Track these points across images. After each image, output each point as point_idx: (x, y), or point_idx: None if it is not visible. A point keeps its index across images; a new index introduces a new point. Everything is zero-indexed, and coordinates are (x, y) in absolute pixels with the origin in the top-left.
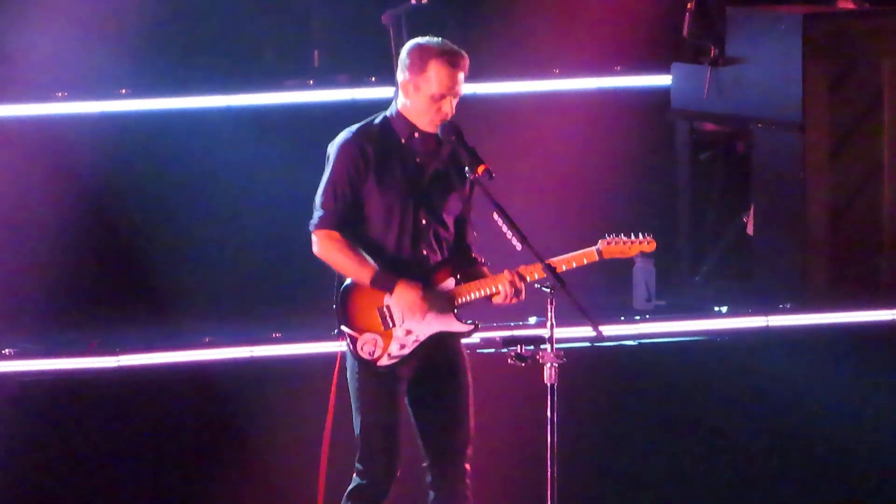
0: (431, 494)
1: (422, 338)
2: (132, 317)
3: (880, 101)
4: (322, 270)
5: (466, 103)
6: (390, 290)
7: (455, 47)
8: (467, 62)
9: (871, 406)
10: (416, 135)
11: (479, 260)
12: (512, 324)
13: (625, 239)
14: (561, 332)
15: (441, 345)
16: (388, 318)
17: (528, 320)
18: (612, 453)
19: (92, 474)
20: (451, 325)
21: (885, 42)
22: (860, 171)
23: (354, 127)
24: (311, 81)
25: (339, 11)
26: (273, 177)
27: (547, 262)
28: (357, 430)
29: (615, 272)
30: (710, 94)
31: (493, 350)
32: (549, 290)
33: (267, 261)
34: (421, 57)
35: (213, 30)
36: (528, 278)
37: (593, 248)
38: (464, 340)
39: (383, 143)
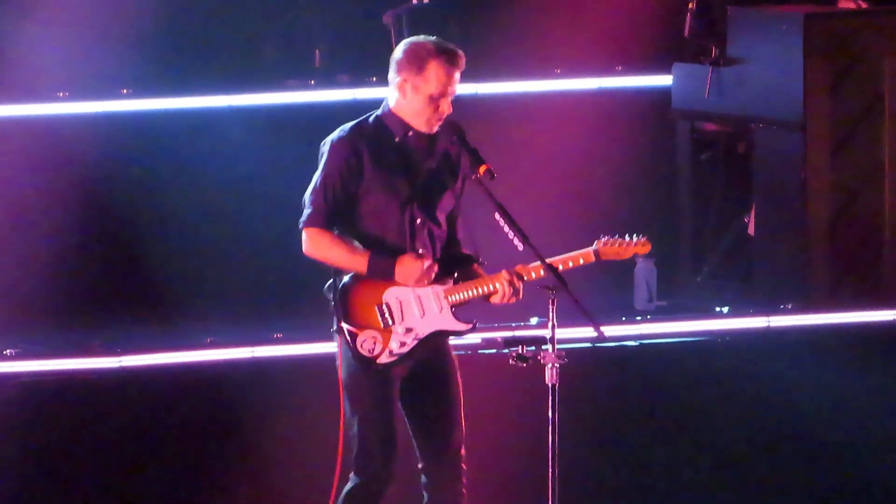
0: (426, 496)
1: (421, 335)
2: (134, 317)
3: (881, 101)
4: (324, 271)
5: (467, 103)
6: (391, 273)
7: (452, 45)
8: (464, 60)
9: (872, 406)
10: (410, 133)
11: (476, 258)
12: (513, 324)
13: (620, 240)
14: (562, 333)
15: (434, 345)
16: (387, 315)
17: (530, 321)
18: (614, 454)
19: (94, 475)
20: (450, 323)
21: (886, 42)
22: (861, 171)
23: (347, 126)
24: (313, 81)
25: (340, 11)
26: (274, 176)
27: (544, 258)
28: (353, 430)
29: (616, 272)
30: (711, 93)
31: (494, 350)
32: (550, 291)
33: (269, 261)
34: (419, 57)
35: (214, 30)
36: (526, 277)
37: (590, 248)
38: (465, 340)
39: (377, 141)
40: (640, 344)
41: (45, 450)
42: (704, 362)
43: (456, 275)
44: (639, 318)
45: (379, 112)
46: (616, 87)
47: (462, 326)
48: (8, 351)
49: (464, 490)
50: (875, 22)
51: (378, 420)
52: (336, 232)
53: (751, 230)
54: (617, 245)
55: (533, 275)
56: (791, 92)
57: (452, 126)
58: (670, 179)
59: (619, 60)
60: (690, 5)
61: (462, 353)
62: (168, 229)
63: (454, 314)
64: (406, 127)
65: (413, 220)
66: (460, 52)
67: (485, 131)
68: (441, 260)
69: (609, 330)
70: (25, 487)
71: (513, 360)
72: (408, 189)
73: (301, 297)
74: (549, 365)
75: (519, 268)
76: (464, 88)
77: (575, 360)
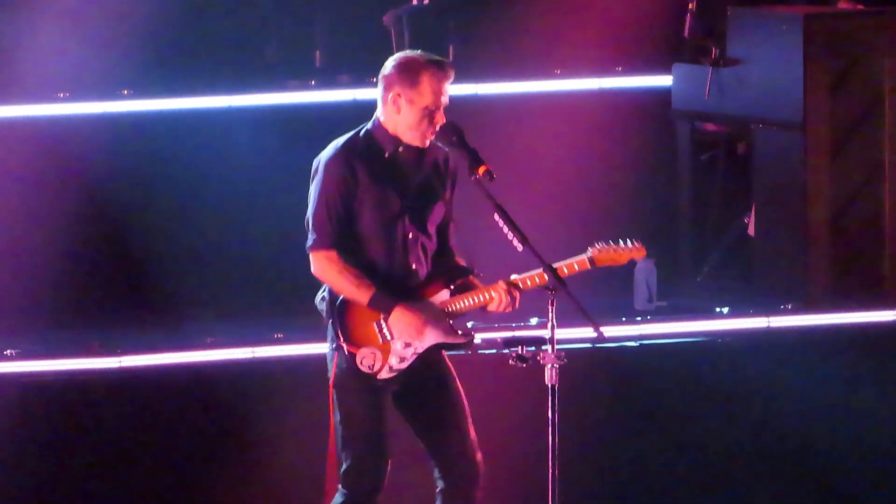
0: (439, 500)
1: (420, 350)
2: (134, 317)
3: (881, 101)
4: None
5: (467, 103)
6: (388, 313)
7: (440, 57)
8: (453, 70)
9: (872, 406)
10: (401, 148)
11: (471, 270)
12: (513, 325)
13: (615, 246)
14: (562, 333)
15: (427, 359)
16: (385, 331)
17: (530, 321)
18: (613, 454)
19: (94, 475)
20: (448, 336)
21: (885, 42)
22: (861, 172)
23: (340, 142)
24: (313, 81)
25: (340, 12)
26: (275, 176)
27: (542, 259)
28: (340, 444)
29: (616, 273)
30: (711, 94)
31: (494, 351)
32: (550, 291)
33: (269, 261)
34: (412, 70)
35: (214, 30)
36: (522, 287)
37: (584, 255)
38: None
39: (369, 158)
40: (640, 344)
41: (45, 450)
42: (704, 363)
43: (452, 287)
44: (639, 318)
45: (369, 126)
46: (616, 87)
47: (461, 339)
48: (8, 351)
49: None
50: (875, 22)
51: (370, 435)
52: (343, 254)
53: (751, 230)
54: (612, 251)
55: (529, 283)
56: (791, 92)
57: (452, 126)
58: (670, 180)
59: (619, 61)
60: (690, 6)
61: (462, 353)
62: (168, 229)
63: (452, 326)
64: (396, 142)
65: (405, 236)
66: (450, 63)
67: (484, 132)
68: (438, 273)
69: (609, 330)
70: (26, 487)
71: (512, 360)
72: (400, 204)
73: (301, 298)
74: (549, 365)
75: (515, 278)
76: (464, 89)
77: (575, 361)
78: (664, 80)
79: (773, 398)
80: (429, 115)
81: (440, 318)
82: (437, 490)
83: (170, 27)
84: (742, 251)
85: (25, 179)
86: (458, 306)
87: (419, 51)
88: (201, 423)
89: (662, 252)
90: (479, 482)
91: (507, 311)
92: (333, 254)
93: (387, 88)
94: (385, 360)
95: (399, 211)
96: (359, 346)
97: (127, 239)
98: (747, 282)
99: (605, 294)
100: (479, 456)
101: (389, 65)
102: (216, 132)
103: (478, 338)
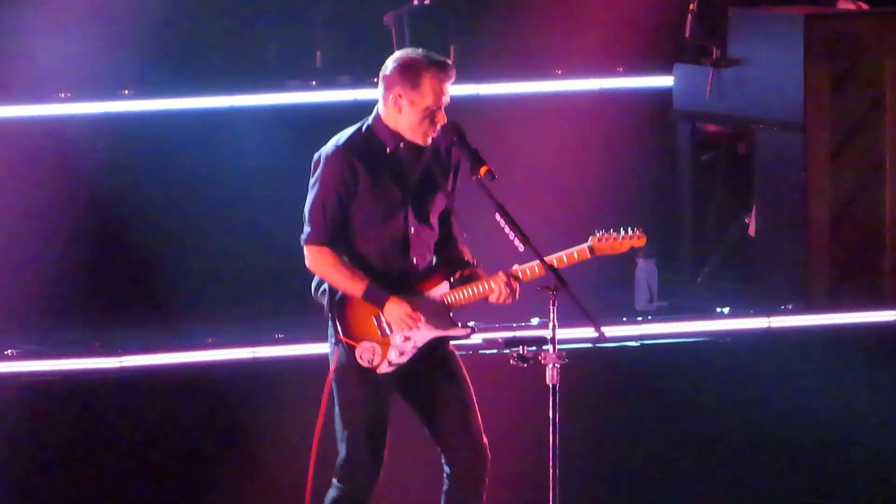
0: (447, 485)
1: (420, 343)
2: (135, 317)
3: (882, 101)
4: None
5: (469, 104)
6: (381, 307)
7: (441, 56)
8: (454, 70)
9: (873, 407)
10: (402, 145)
11: (471, 262)
12: (514, 325)
13: (615, 234)
14: (563, 333)
15: (433, 348)
16: (384, 325)
17: (531, 321)
18: (614, 454)
19: (94, 475)
20: (448, 330)
21: (886, 43)
22: (862, 172)
23: (342, 139)
24: (314, 82)
25: (341, 12)
26: (275, 177)
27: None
28: (340, 436)
29: (617, 272)
30: (712, 94)
31: (495, 351)
32: (551, 291)
33: (269, 261)
34: (413, 71)
35: (215, 30)
36: (522, 277)
37: (584, 245)
38: (466, 341)
39: (369, 153)
40: (641, 344)
41: (45, 450)
42: (705, 363)
43: (452, 279)
44: (639, 318)
45: (370, 121)
46: (617, 87)
47: (461, 332)
48: (9, 351)
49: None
50: (876, 23)
51: (369, 430)
52: (337, 249)
53: (751, 231)
54: (612, 239)
55: (528, 272)
56: (792, 93)
57: (453, 126)
58: (671, 180)
59: (620, 61)
60: (691, 6)
61: (463, 353)
62: (169, 229)
63: (453, 319)
64: (398, 138)
65: (407, 230)
66: (450, 63)
67: (486, 132)
68: (438, 266)
69: (610, 330)
70: (26, 487)
71: (513, 360)
72: (401, 199)
73: (302, 298)
74: (550, 365)
75: (515, 269)
76: (465, 89)
77: (576, 361)
78: (665, 81)
79: (773, 398)
80: (430, 115)
81: (439, 310)
82: (445, 475)
83: (171, 27)
84: (743, 251)
85: (27, 179)
86: (457, 298)
87: (420, 49)
88: (202, 423)
89: (663, 252)
90: (486, 466)
91: (507, 302)
92: (326, 249)
93: (388, 88)
94: (384, 354)
95: (400, 206)
96: (358, 341)
97: (128, 239)
98: (748, 282)
99: (605, 294)
100: (484, 440)
101: (390, 65)
102: (217, 132)
103: (479, 337)
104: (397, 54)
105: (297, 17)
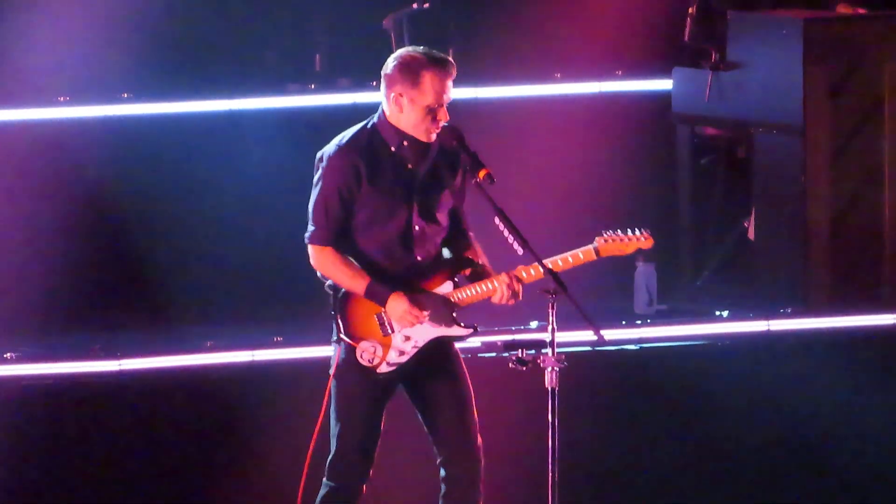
0: (444, 488)
1: (420, 344)
2: (134, 320)
3: (881, 105)
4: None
5: (468, 107)
6: (383, 304)
7: (442, 54)
8: (455, 68)
9: (872, 410)
10: (406, 143)
11: (477, 261)
12: (513, 328)
13: (621, 235)
14: (562, 336)
15: (436, 347)
16: (386, 324)
17: (530, 324)
18: (614, 457)
19: (94, 478)
20: (449, 329)
21: (885, 47)
22: (861, 176)
23: (345, 138)
24: (313, 85)
25: (340, 16)
26: (275, 180)
27: (544, 262)
28: (332, 432)
29: (617, 276)
30: (711, 98)
31: (494, 354)
32: (550, 294)
33: (268, 265)
34: (413, 70)
35: (215, 34)
36: (525, 276)
37: (590, 246)
38: (465, 344)
39: (373, 153)
40: (640, 347)
41: (45, 453)
42: (704, 366)
43: (457, 279)
44: (639, 321)
45: (375, 120)
46: (616, 91)
47: (463, 332)
48: (9, 354)
49: (481, 486)
50: (874, 27)
51: (362, 429)
52: (341, 248)
53: (751, 234)
54: (618, 241)
55: (532, 272)
56: (791, 96)
57: (452, 129)
58: (670, 183)
59: (619, 65)
60: (690, 10)
61: (462, 356)
62: (168, 233)
63: (455, 319)
64: (402, 136)
65: (412, 229)
66: (451, 60)
67: (485, 135)
68: (444, 265)
69: (609, 333)
70: (25, 490)
71: (512, 363)
72: (406, 198)
73: (301, 301)
74: (549, 368)
75: (518, 270)
76: (464, 92)
77: (575, 364)
78: (664, 84)
79: (773, 401)
80: (431, 113)
81: (442, 309)
82: (441, 479)
83: (170, 31)
84: (742, 255)
85: (26, 183)
86: (460, 297)
87: (421, 48)
88: (201, 426)
89: (663, 255)
90: (478, 470)
91: (509, 303)
92: (329, 248)
93: (389, 87)
94: (385, 353)
95: (404, 204)
96: (359, 340)
97: (127, 242)
98: (747, 285)
99: (605, 297)
100: (479, 442)
101: (391, 63)
102: (216, 136)
103: (477, 340)
104: (398, 53)
105: (297, 21)
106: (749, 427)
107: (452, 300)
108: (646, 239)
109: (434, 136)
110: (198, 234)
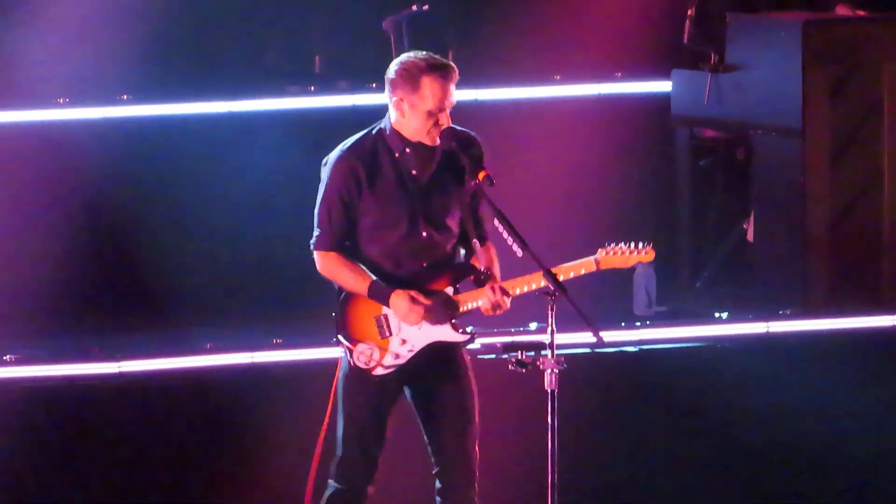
0: (439, 500)
1: (417, 348)
2: (133, 322)
3: (880, 107)
4: (323, 277)
5: (467, 109)
6: (386, 302)
7: (442, 59)
8: (457, 72)
9: (871, 412)
10: (408, 149)
11: (479, 269)
12: (512, 329)
13: (623, 248)
14: (561, 338)
15: (441, 350)
16: (384, 327)
17: (529, 326)
18: (613, 459)
19: (93, 480)
20: (446, 334)
21: (884, 49)
22: (860, 178)
23: (348, 144)
24: (313, 87)
25: (340, 18)
26: (274, 182)
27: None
28: (339, 434)
29: (616, 278)
30: (711, 100)
31: (493, 356)
32: (550, 297)
33: (268, 267)
34: (412, 75)
35: (214, 36)
36: (511, 292)
37: (591, 258)
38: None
39: (377, 158)
40: (640, 349)
41: (45, 455)
42: (703, 368)
43: (458, 286)
44: (638, 323)
45: (382, 125)
46: (615, 93)
47: (459, 338)
48: (8, 356)
49: (476, 498)
50: (873, 29)
51: (366, 431)
52: (344, 253)
53: (750, 236)
54: (619, 254)
55: (525, 288)
56: (790, 98)
57: (451, 132)
58: (670, 185)
59: (618, 67)
60: (690, 12)
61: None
62: (168, 234)
63: (452, 325)
64: (405, 142)
65: (418, 235)
66: (452, 65)
67: (484, 137)
68: (447, 270)
69: (608, 335)
70: (25, 492)
71: (512, 365)
72: (411, 204)
73: (301, 303)
74: (549, 370)
75: (506, 284)
76: (464, 95)
77: (574, 366)
78: (663, 86)
79: (772, 403)
80: (432, 117)
81: (441, 313)
82: (436, 488)
83: (170, 33)
84: (741, 257)
85: (25, 184)
86: (459, 305)
87: (424, 53)
88: (201, 427)
89: (662, 257)
90: (473, 484)
91: (496, 314)
92: (333, 253)
93: (391, 92)
94: (381, 357)
95: (410, 211)
96: (357, 342)
97: (126, 244)
98: (746, 287)
99: (604, 299)
100: (475, 454)
101: (392, 68)
102: (216, 138)
103: (477, 343)
104: (400, 58)
105: (296, 23)
106: (748, 428)
107: (451, 306)
108: (647, 253)
109: (438, 141)
110: (197, 236)
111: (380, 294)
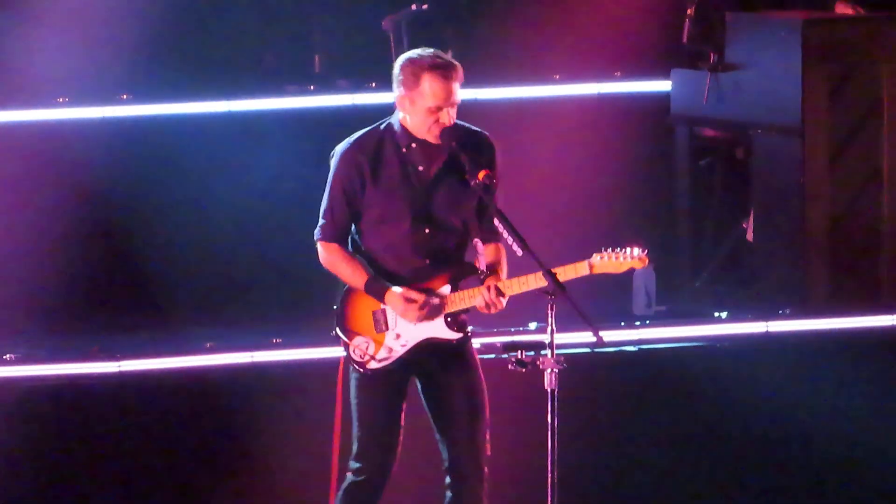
0: (449, 495)
1: (410, 344)
2: (133, 322)
3: (879, 106)
4: (322, 276)
5: (467, 109)
6: (381, 298)
7: (447, 58)
8: (460, 72)
9: (871, 412)
10: (414, 145)
11: (479, 268)
12: (512, 329)
13: (617, 253)
14: (561, 338)
15: (447, 346)
16: (381, 321)
17: (529, 326)
18: (613, 459)
19: (93, 479)
20: (440, 331)
21: (883, 48)
22: (859, 177)
23: (354, 137)
24: (312, 87)
25: (339, 17)
26: (274, 182)
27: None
28: (354, 428)
29: (615, 278)
30: (710, 99)
31: (493, 355)
32: (549, 296)
33: (268, 266)
34: (413, 72)
35: (214, 35)
36: (506, 292)
37: (584, 262)
38: None
39: (383, 152)
40: (639, 349)
41: (45, 454)
42: (703, 367)
43: (457, 283)
44: (638, 323)
45: (391, 120)
46: (615, 92)
47: (452, 335)
48: (8, 355)
49: (484, 495)
50: (873, 28)
51: (377, 423)
52: (347, 246)
53: (749, 236)
54: (613, 259)
55: (514, 291)
56: (789, 98)
57: (450, 131)
58: (669, 185)
59: (617, 66)
60: (689, 11)
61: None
62: (167, 234)
63: (447, 323)
64: (411, 138)
65: (421, 231)
66: (455, 64)
67: None
68: (447, 268)
69: (608, 335)
70: (25, 492)
71: (512, 365)
72: (414, 200)
73: (301, 303)
74: (549, 370)
75: (503, 284)
76: (464, 94)
77: (574, 366)
78: (663, 86)
79: (771, 403)
80: (433, 115)
81: (434, 312)
82: (446, 483)
83: (169, 32)
84: (741, 256)
85: (25, 184)
86: (454, 303)
87: (429, 50)
88: (201, 427)
89: (661, 257)
90: (482, 482)
91: (491, 312)
92: (334, 245)
93: (396, 88)
94: (375, 351)
95: (414, 206)
96: (354, 335)
97: (126, 243)
98: (746, 287)
99: (604, 299)
100: (486, 454)
101: (397, 65)
102: (215, 137)
103: (477, 342)
104: (407, 53)
105: (296, 23)
106: (748, 428)
107: (446, 304)
108: (640, 260)
109: (439, 138)
110: (197, 236)
111: (375, 291)
